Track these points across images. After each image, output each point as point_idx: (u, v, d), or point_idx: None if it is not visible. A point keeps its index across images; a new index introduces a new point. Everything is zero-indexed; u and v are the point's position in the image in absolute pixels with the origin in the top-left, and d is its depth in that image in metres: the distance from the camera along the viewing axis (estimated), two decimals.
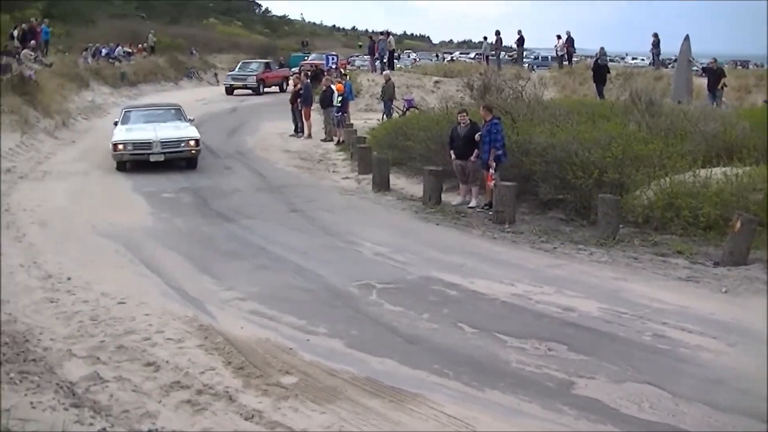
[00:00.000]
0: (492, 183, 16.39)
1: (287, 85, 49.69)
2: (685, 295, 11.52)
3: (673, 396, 8.17)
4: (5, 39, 38.27)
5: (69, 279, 12.23)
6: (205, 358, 9.22)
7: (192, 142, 22.62)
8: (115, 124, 24.10)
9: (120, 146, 22.14)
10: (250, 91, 48.32)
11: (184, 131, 23.31)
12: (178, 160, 22.70)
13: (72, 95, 35.32)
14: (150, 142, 22.27)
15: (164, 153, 22.23)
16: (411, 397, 8.20)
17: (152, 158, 22.18)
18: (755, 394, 8.20)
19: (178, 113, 25.13)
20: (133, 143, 22.32)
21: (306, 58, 59.61)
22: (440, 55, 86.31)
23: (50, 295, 11.50)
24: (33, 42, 38.47)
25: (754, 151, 16.47)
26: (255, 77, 49.12)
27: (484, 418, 7.74)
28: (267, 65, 53.11)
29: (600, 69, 35.05)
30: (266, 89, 49.46)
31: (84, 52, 47.29)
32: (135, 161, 22.44)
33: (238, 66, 53.12)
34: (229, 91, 48.61)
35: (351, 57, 66.99)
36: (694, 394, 8.21)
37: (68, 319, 10.50)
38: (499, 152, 16.57)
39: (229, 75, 51.54)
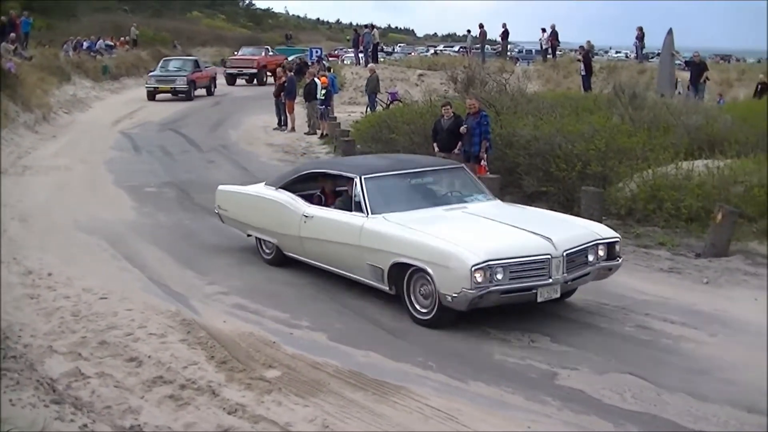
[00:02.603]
0: (487, 173, 16.38)
1: (215, 87, 45.05)
2: (667, 286, 11.60)
3: (655, 386, 8.18)
4: None
5: (50, 275, 12.14)
6: (188, 353, 9.17)
7: (602, 250, 10.63)
8: (326, 202, 12.51)
9: (479, 275, 9.50)
10: (173, 97, 39.70)
11: (584, 226, 11.19)
12: None
13: (53, 89, 35.10)
14: (546, 260, 9.87)
15: (569, 280, 10.17)
16: (395, 389, 8.19)
17: (543, 296, 9.92)
18: (737, 383, 8.23)
19: (465, 181, 12.58)
20: (509, 266, 9.74)
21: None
22: (428, 49, 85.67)
23: (31, 291, 11.40)
24: (13, 35, 38.11)
25: (735, 144, 16.52)
26: (186, 78, 40.44)
27: (467, 410, 7.72)
28: (195, 63, 44.29)
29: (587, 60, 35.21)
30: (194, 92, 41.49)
31: (65, 45, 47.00)
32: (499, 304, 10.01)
33: (160, 65, 43.69)
34: (152, 96, 39.97)
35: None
36: (676, 384, 8.23)
37: (49, 315, 10.42)
38: (488, 144, 16.62)
39: (151, 75, 41.89)
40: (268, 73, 48.95)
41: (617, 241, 10.82)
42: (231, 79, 49.38)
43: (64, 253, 13.42)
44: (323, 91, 28.23)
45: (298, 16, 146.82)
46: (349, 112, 32.77)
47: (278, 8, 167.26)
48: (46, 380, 8.13)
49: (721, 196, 13.77)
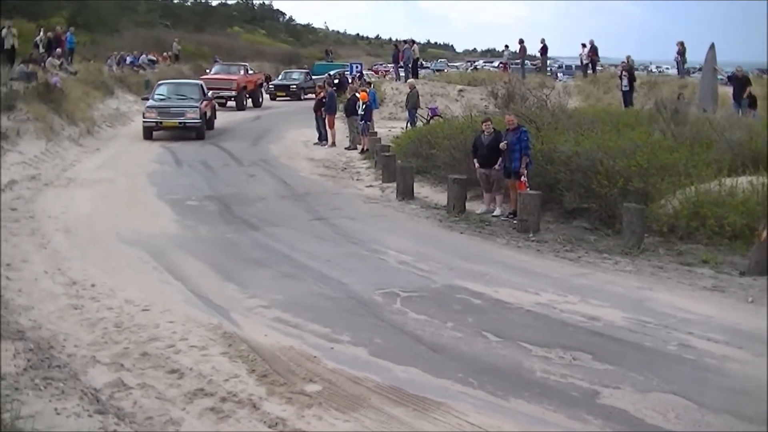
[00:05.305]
0: (527, 189, 16.35)
1: (215, 117, 34.47)
2: (710, 304, 11.45)
3: (698, 406, 8.10)
4: (30, 47, 38.45)
5: (93, 286, 12.24)
6: (229, 366, 9.21)
7: None
8: None
9: None
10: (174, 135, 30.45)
11: None
12: None
13: (97, 103, 35.36)
14: None
15: None
16: (435, 405, 8.17)
17: None
18: None
19: None
20: None
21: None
22: (465, 65, 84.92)
23: (74, 301, 11.52)
24: (58, 50, 38.58)
25: None
26: (198, 110, 30.75)
27: (508, 428, 7.71)
28: (202, 89, 33.62)
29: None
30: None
31: (108, 60, 47.46)
32: None
33: (156, 90, 32.81)
34: (149, 133, 30.34)
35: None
36: (719, 404, 8.15)
37: (92, 325, 10.52)
38: (528, 160, 16.62)
39: (150, 107, 30.76)
40: (247, 96, 44.16)
41: None
42: None
43: (106, 264, 13.52)
44: (363, 106, 28.30)
45: (338, 32, 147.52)
46: (389, 127, 32.80)
47: (318, 23, 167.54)
48: (89, 390, 8.21)
49: (766, 213, 13.65)
